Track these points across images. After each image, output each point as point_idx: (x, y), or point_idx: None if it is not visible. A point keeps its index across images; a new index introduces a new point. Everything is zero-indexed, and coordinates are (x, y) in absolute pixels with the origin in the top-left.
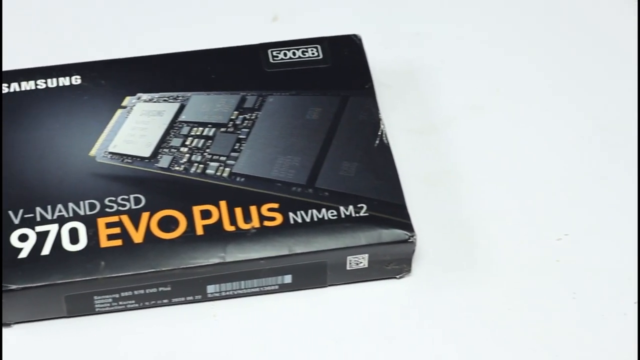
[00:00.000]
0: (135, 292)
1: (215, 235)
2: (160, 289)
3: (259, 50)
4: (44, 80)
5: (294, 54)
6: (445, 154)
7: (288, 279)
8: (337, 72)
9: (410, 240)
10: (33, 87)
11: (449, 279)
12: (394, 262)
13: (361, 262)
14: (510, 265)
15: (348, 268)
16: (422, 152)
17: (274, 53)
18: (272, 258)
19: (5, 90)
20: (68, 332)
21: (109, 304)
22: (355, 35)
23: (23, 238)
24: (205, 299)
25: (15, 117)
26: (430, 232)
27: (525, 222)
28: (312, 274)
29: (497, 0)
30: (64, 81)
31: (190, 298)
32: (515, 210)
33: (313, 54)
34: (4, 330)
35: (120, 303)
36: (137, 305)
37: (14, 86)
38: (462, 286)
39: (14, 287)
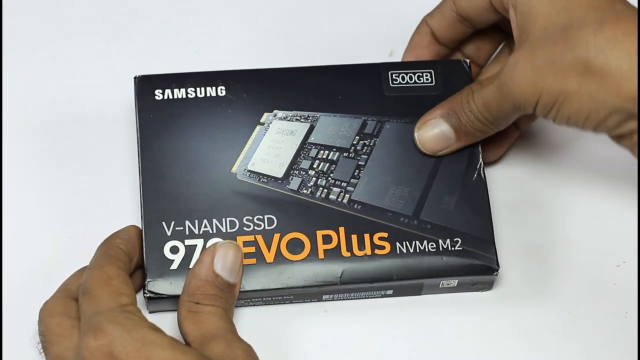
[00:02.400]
0: (264, 298)
1: (334, 259)
2: (284, 297)
3: (382, 72)
4: (193, 89)
5: (410, 78)
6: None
7: (390, 292)
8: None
9: (494, 273)
10: (184, 96)
11: (522, 293)
12: (478, 284)
13: (451, 284)
14: (576, 285)
15: (440, 287)
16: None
17: (394, 76)
18: (379, 280)
19: (159, 96)
20: None
21: (241, 303)
22: (464, 61)
23: (174, 250)
24: (320, 301)
25: (169, 125)
26: (509, 254)
27: (590, 249)
28: (410, 290)
29: None
30: (211, 91)
31: (308, 301)
32: (583, 238)
33: (427, 79)
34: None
35: (250, 303)
36: (263, 304)
37: (168, 93)
38: (533, 299)
39: (165, 294)
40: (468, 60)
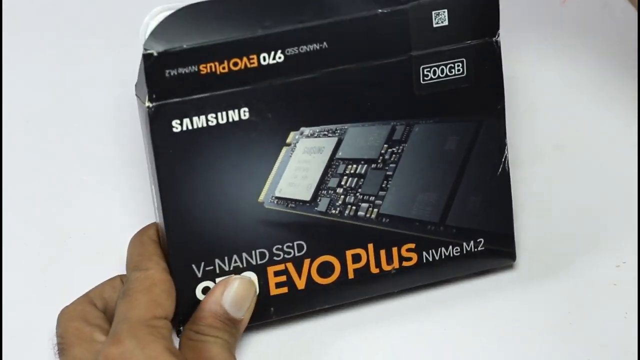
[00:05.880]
0: None
1: (363, 278)
2: None
3: (413, 66)
4: (214, 115)
5: (442, 71)
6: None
7: None
8: (477, 91)
9: (511, 264)
10: (205, 124)
11: (526, 289)
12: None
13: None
14: (576, 285)
15: None
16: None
17: (425, 71)
18: (405, 290)
19: (177, 128)
20: None
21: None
22: (496, 42)
23: (206, 291)
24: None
25: (190, 160)
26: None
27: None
28: None
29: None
30: (233, 115)
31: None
32: (583, 238)
33: (458, 70)
34: None
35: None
36: None
37: (186, 123)
38: (533, 299)
39: None
40: (498, 40)
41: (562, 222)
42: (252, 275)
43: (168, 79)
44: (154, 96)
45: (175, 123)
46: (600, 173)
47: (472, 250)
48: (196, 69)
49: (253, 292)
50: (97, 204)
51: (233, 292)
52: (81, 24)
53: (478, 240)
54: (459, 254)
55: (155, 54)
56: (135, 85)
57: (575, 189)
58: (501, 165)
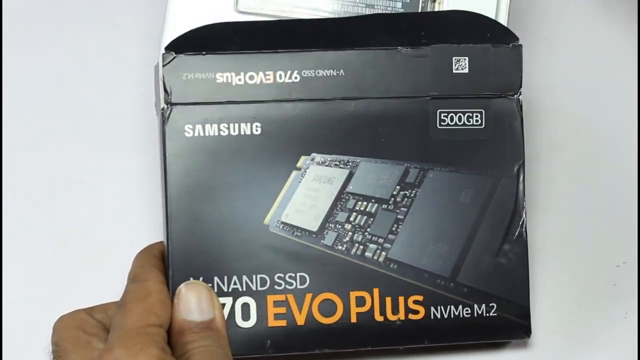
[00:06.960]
0: None
1: (366, 324)
2: None
3: (430, 109)
4: (226, 125)
5: (459, 119)
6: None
7: None
8: (494, 146)
9: (525, 338)
10: (216, 133)
11: None
12: None
13: None
14: (576, 285)
15: None
16: None
17: (442, 115)
18: (410, 344)
19: (189, 133)
20: None
21: None
22: (517, 100)
23: None
24: None
25: (200, 169)
26: None
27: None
28: None
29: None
30: (245, 129)
31: None
32: (583, 238)
33: (477, 120)
34: None
35: None
36: None
37: (199, 129)
38: (533, 299)
39: None
40: (520, 99)
41: (562, 222)
42: (250, 302)
43: (185, 82)
44: (170, 98)
45: (187, 127)
46: (600, 173)
47: (484, 314)
48: (213, 76)
49: (204, 289)
50: (97, 204)
51: (185, 302)
52: (82, 23)
53: (490, 304)
54: (469, 315)
55: (174, 54)
56: (155, 104)
57: (575, 189)
58: (518, 229)
